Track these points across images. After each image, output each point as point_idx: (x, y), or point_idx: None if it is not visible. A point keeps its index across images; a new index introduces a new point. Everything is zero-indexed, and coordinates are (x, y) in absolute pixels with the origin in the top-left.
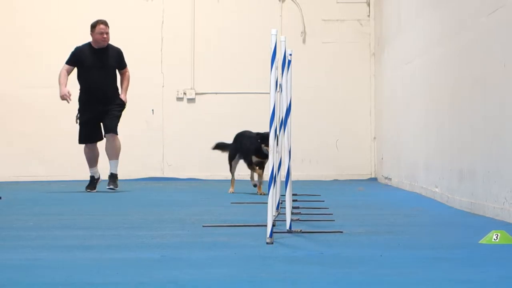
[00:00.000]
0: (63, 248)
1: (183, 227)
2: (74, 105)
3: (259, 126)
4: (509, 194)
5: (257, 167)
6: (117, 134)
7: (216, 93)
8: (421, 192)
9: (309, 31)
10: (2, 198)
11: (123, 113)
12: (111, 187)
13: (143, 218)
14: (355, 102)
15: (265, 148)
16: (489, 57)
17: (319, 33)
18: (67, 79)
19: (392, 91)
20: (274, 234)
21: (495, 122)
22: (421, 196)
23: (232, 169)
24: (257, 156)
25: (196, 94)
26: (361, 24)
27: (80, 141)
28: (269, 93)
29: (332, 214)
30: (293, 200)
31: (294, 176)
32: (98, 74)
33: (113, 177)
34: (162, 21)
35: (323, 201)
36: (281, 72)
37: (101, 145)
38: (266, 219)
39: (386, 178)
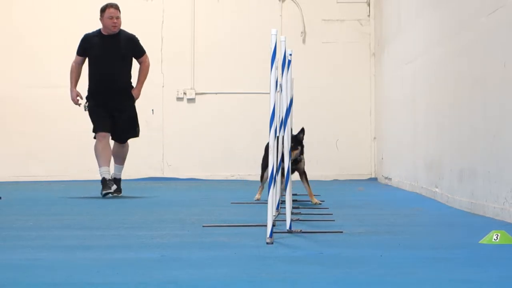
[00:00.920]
0: (63, 248)
1: (183, 227)
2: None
3: (259, 126)
4: (509, 194)
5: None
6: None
7: (216, 93)
8: (421, 192)
9: (309, 31)
10: (2, 198)
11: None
12: (111, 192)
13: (143, 218)
14: (355, 102)
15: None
16: (489, 57)
17: (319, 33)
18: (78, 74)
19: (392, 91)
20: (274, 234)
21: (495, 122)
22: (421, 196)
23: (263, 179)
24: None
25: (196, 94)
26: (361, 24)
27: (97, 129)
28: (269, 93)
29: (332, 214)
30: (293, 200)
31: (294, 176)
32: (109, 64)
33: (116, 182)
34: (162, 21)
35: (323, 201)
36: (281, 72)
37: None
38: (266, 219)
39: (386, 178)
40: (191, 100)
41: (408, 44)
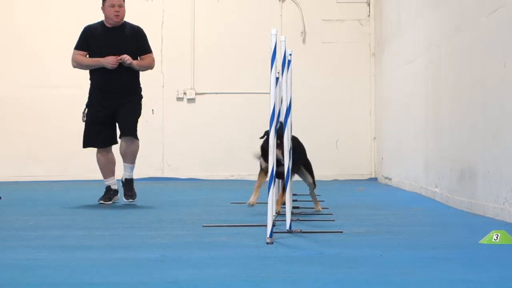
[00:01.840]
0: (63, 248)
1: (183, 227)
2: (75, 105)
3: (259, 126)
4: (509, 194)
5: (308, 176)
6: (137, 138)
7: (216, 93)
8: (421, 192)
9: (309, 31)
10: (2, 198)
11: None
12: (130, 200)
13: (143, 218)
14: (355, 102)
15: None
16: (489, 57)
17: (319, 33)
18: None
19: (392, 91)
20: (274, 234)
21: (495, 122)
22: (421, 196)
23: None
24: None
25: (196, 94)
26: (361, 24)
27: (84, 144)
28: (269, 93)
29: (332, 214)
30: (293, 200)
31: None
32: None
33: (128, 184)
34: (162, 21)
35: (323, 201)
36: (281, 72)
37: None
38: (266, 219)
39: (386, 178)
40: (191, 100)
41: (408, 44)
